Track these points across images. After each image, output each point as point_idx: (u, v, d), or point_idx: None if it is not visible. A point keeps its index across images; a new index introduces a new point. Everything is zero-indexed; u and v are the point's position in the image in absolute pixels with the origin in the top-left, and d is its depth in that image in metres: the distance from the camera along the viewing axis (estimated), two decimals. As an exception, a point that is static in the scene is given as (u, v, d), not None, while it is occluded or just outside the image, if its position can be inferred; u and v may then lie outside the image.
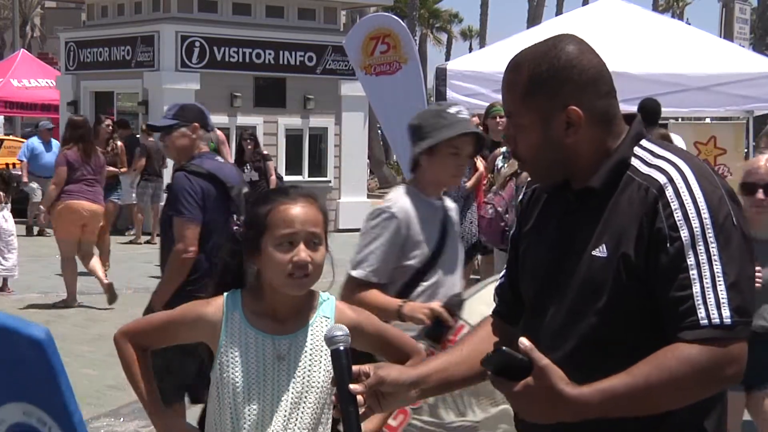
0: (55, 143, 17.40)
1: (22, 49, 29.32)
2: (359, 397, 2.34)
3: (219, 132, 13.06)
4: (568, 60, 2.31)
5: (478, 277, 12.36)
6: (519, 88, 2.35)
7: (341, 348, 2.38)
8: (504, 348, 2.20)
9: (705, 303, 2.15)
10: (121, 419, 7.09)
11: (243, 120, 18.95)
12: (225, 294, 2.79)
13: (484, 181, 10.27)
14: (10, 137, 30.69)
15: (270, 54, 19.50)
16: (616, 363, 2.21)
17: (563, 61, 2.31)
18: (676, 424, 2.27)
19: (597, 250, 2.29)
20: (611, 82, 2.37)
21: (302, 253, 2.66)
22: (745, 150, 12.65)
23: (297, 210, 2.69)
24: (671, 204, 2.22)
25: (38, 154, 17.86)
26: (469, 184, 9.73)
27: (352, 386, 2.33)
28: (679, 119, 15.03)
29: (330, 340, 2.40)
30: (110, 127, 14.87)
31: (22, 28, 42.20)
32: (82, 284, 11.26)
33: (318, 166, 20.02)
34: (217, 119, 18.57)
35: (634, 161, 2.33)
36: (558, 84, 2.31)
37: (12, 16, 36.05)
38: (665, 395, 2.17)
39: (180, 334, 2.86)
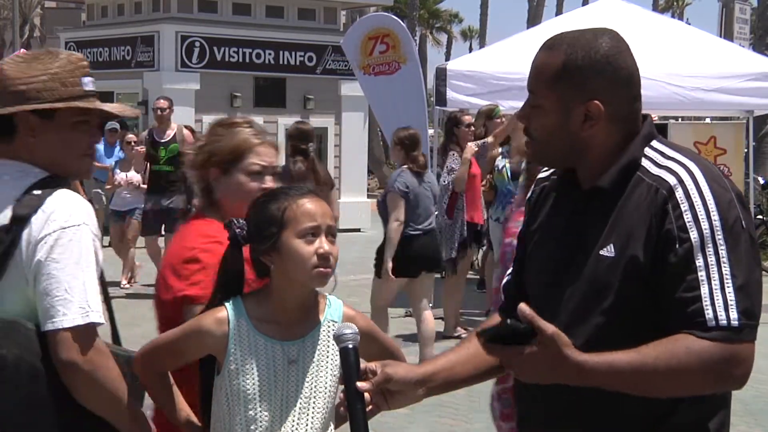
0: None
1: (22, 50, 29.31)
2: (366, 395, 2.34)
3: (186, 131, 12.22)
4: (606, 55, 2.30)
5: (476, 276, 12.37)
6: (550, 70, 2.32)
7: (350, 346, 2.38)
8: (509, 321, 2.18)
9: (713, 304, 2.16)
10: (122, 419, 7.07)
11: (243, 120, 18.95)
12: (226, 303, 2.77)
13: (483, 182, 10.25)
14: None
15: (270, 54, 19.49)
16: None
17: (600, 55, 2.30)
18: (680, 423, 2.27)
19: (605, 249, 2.29)
20: (639, 86, 2.36)
21: (326, 244, 2.67)
22: (745, 150, 12.65)
23: (314, 203, 2.70)
24: (681, 205, 2.22)
25: (98, 157, 17.22)
26: (457, 174, 9.54)
27: (359, 384, 2.33)
28: (679, 119, 15.04)
29: (339, 338, 2.40)
30: None
31: (22, 28, 42.21)
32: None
33: (318, 166, 20.00)
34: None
35: (644, 162, 2.32)
36: (589, 76, 2.29)
37: (12, 16, 36.04)
38: (668, 382, 2.17)
39: (186, 351, 2.81)
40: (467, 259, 10.09)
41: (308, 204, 2.70)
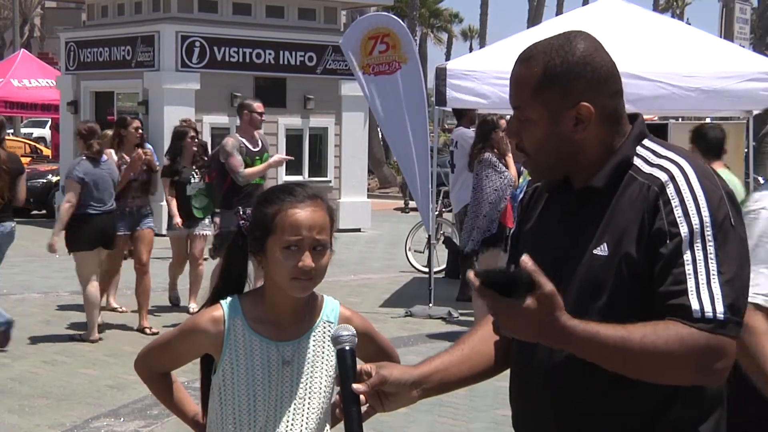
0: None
1: (22, 49, 29.32)
2: (361, 397, 2.34)
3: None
4: (582, 56, 2.31)
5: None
6: (531, 82, 2.32)
7: (347, 348, 2.37)
8: (512, 269, 2.14)
9: (699, 297, 2.16)
10: (121, 419, 7.09)
11: (243, 120, 18.95)
12: (222, 302, 2.77)
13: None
14: (10, 136, 30.76)
15: (270, 54, 19.50)
16: None
17: (577, 57, 2.30)
18: (671, 425, 2.27)
19: (598, 248, 2.29)
20: (620, 82, 2.37)
21: (307, 259, 2.63)
22: (745, 150, 12.64)
23: (304, 215, 2.66)
24: (672, 201, 2.23)
25: None
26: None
27: (355, 386, 2.32)
28: (679, 119, 15.02)
29: (336, 339, 2.39)
30: (140, 131, 10.38)
31: (22, 28, 42.22)
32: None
33: (318, 166, 20.01)
34: (217, 119, 18.64)
35: (637, 161, 2.33)
36: (571, 80, 2.30)
37: (12, 16, 36.04)
38: (650, 362, 2.15)
39: (183, 351, 2.82)
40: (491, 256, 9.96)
41: (298, 215, 2.65)
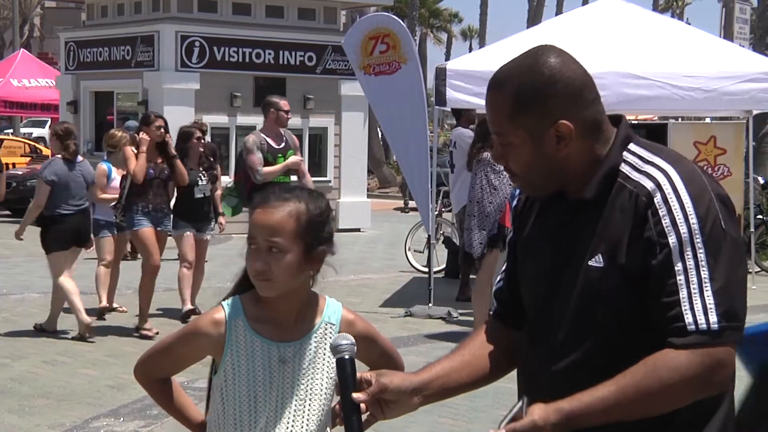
0: None
1: (22, 49, 29.34)
2: (362, 406, 2.34)
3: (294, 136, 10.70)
4: (552, 74, 2.28)
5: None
6: (505, 107, 2.31)
7: (346, 357, 2.37)
8: None
9: (692, 308, 2.16)
10: (121, 419, 7.09)
11: (243, 120, 18.95)
12: (224, 303, 2.76)
13: None
14: (10, 137, 30.77)
15: (270, 54, 19.50)
16: (620, 372, 2.21)
17: (547, 76, 2.28)
18: (671, 427, 2.27)
19: (594, 260, 2.28)
20: (596, 88, 2.35)
21: (257, 261, 2.64)
22: (745, 150, 12.65)
23: (260, 217, 2.66)
24: (659, 211, 2.22)
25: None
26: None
27: (355, 395, 2.32)
28: (679, 119, 15.03)
29: (335, 349, 2.39)
30: (162, 130, 10.00)
31: (22, 28, 42.22)
32: (81, 286, 11.20)
33: (318, 166, 20.00)
34: (217, 119, 18.62)
35: (624, 167, 2.32)
36: (545, 100, 2.28)
37: (12, 16, 36.05)
38: (655, 402, 2.18)
39: (185, 354, 2.81)
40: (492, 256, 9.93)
41: (257, 215, 2.68)
